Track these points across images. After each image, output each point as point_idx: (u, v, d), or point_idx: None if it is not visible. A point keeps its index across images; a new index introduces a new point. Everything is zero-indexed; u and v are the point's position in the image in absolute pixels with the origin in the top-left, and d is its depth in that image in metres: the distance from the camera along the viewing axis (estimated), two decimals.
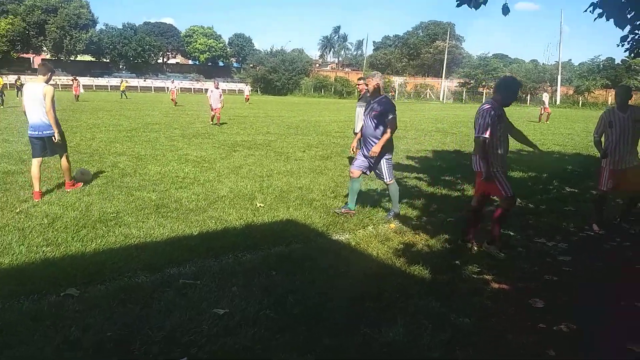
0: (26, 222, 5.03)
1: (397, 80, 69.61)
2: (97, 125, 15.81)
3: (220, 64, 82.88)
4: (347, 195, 6.11)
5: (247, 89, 41.30)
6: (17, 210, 5.42)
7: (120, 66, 71.67)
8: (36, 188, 6.04)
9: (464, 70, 65.09)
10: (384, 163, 5.75)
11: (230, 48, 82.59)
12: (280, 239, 4.83)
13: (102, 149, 10.35)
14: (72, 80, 32.42)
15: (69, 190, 6.45)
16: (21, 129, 13.48)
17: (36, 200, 5.91)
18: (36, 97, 6.03)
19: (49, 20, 61.66)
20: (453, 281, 3.97)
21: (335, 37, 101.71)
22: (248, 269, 4.00)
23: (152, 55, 74.09)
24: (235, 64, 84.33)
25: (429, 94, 66.08)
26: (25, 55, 68.12)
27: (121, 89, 39.54)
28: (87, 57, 71.82)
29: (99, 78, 63.83)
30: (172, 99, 29.88)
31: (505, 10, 5.29)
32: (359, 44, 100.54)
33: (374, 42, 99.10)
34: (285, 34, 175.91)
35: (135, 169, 8.19)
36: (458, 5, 5.49)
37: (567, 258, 4.60)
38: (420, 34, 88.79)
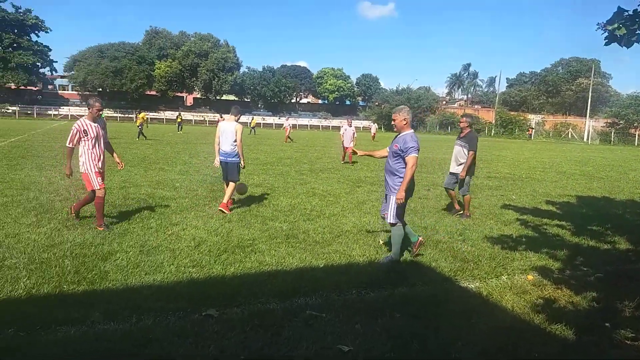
0: (176, 243, 5.66)
1: (534, 119, 65.04)
2: (256, 159, 17.35)
3: (347, 102, 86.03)
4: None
5: (374, 127, 41.70)
6: (169, 233, 6.14)
7: (259, 105, 78.49)
8: (225, 200, 7.58)
9: (612, 110, 58.39)
10: (392, 200, 5.14)
11: (358, 87, 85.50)
12: (404, 280, 4.73)
13: (242, 180, 11.29)
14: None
15: (221, 209, 7.43)
16: (174, 160, 15.42)
17: (225, 211, 7.36)
18: (229, 132, 7.57)
19: (201, 63, 70.42)
20: (601, 345, 3.48)
21: (464, 75, 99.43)
22: (371, 307, 3.97)
23: (287, 95, 79.93)
24: (361, 103, 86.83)
25: (571, 134, 60.31)
26: (179, 94, 78.50)
27: (251, 125, 41.58)
28: (231, 97, 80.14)
29: (240, 116, 70.68)
30: (286, 136, 29.48)
31: None
32: (491, 81, 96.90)
33: (507, 78, 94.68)
34: (413, 73, 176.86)
35: (269, 200, 8.79)
36: (607, 44, 5.03)
37: None
38: (560, 70, 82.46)
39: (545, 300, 4.35)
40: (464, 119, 8.12)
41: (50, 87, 79.87)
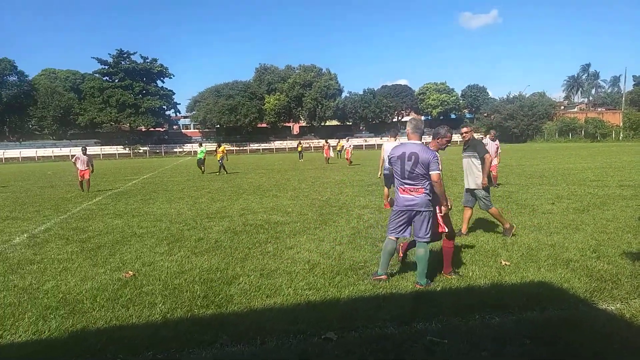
0: (292, 266, 5.86)
1: None
2: (344, 181, 17.66)
3: (452, 116, 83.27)
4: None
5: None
6: (285, 257, 6.39)
7: (361, 127, 79.44)
8: (386, 201, 9.90)
9: None
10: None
11: (463, 100, 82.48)
12: (533, 303, 4.34)
13: (349, 203, 11.45)
14: (324, 143, 34.05)
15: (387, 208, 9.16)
16: (285, 186, 16.14)
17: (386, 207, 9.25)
18: (389, 151, 8.35)
19: (305, 93, 73.69)
20: None
21: (583, 76, 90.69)
22: (498, 333, 3.70)
23: (388, 115, 79.87)
24: (468, 115, 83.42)
25: None
26: (286, 124, 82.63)
27: (298, 149, 40.02)
28: (334, 122, 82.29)
29: (341, 140, 72.18)
30: (347, 158, 28.70)
31: None
32: (615, 80, 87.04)
33: (633, 76, 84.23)
34: (524, 79, 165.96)
35: (377, 221, 8.74)
36: None
37: None
38: None
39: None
40: (466, 128, 7.46)
41: (175, 127, 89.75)
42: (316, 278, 5.32)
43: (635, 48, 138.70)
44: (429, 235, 5.07)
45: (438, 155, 5.05)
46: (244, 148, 73.47)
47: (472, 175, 7.31)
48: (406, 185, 5.05)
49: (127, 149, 70.79)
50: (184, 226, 8.98)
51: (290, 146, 70.48)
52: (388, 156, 5.53)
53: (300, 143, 39.56)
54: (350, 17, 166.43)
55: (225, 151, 23.63)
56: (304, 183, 17.25)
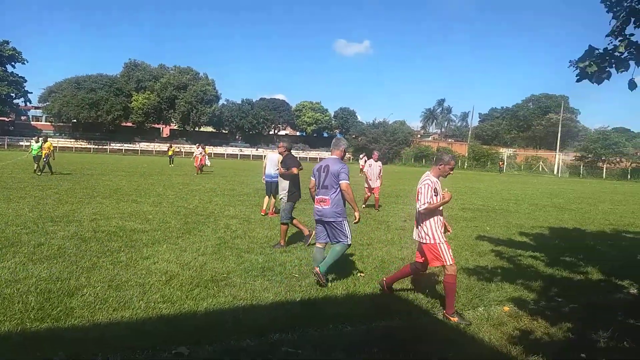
0: (147, 278, 5.46)
1: (505, 152, 66.95)
2: (214, 189, 17.18)
3: (325, 134, 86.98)
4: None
5: (361, 161, 38.60)
6: (140, 267, 5.94)
7: (237, 137, 78.52)
8: (263, 206, 11.03)
9: (581, 144, 60.80)
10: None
11: (335, 120, 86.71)
12: (383, 313, 4.66)
13: (217, 212, 11.14)
14: (201, 148, 28.42)
15: (271, 215, 10.59)
16: (148, 191, 15.13)
17: (262, 213, 10.59)
18: (274, 161, 10.53)
19: (179, 95, 70.36)
20: None
21: (438, 109, 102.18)
22: (350, 343, 3.88)
23: (265, 127, 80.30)
24: (338, 135, 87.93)
25: (542, 167, 62.19)
26: (156, 126, 77.88)
27: (169, 153, 35.45)
28: (209, 128, 80.00)
29: (217, 147, 70.51)
30: (195, 166, 26.38)
31: (632, 85, 4.94)
32: (464, 116, 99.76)
33: (479, 114, 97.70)
34: (388, 107, 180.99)
35: (245, 232, 8.64)
36: (578, 80, 5.25)
37: None
38: (531, 106, 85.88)
39: (521, 331, 4.33)
40: (282, 144, 8.09)
41: (23, 118, 78.45)
42: (172, 290, 5.03)
43: (481, 89, 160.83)
44: (345, 239, 5.60)
45: (348, 167, 5.71)
46: (104, 147, 67.01)
47: (281, 186, 8.20)
48: (318, 197, 5.66)
49: None
50: (22, 229, 7.85)
51: (159, 149, 66.35)
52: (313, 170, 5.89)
53: (171, 146, 36.95)
54: (231, 25, 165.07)
55: (52, 148, 21.01)
56: (170, 189, 16.37)
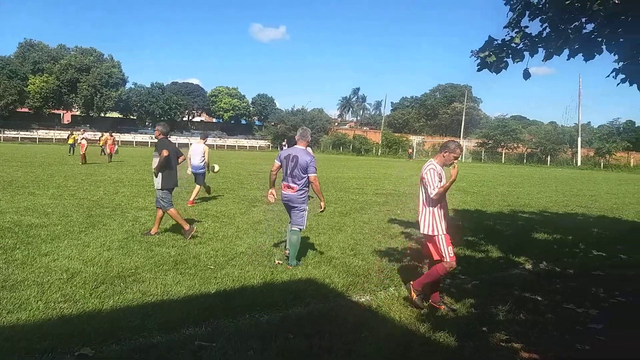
0: (45, 276, 5.02)
1: (415, 139, 70.54)
2: (121, 179, 16.16)
3: (243, 122, 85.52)
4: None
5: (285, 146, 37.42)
6: (38, 265, 5.44)
7: (147, 123, 74.43)
8: (191, 198, 10.87)
9: (482, 131, 65.79)
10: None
11: (253, 107, 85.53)
12: (299, 299, 4.71)
13: (124, 204, 10.50)
14: (109, 136, 27.37)
15: (190, 205, 10.54)
16: (47, 183, 13.87)
17: (189, 205, 10.53)
18: (199, 151, 10.93)
19: (81, 78, 65.07)
20: (480, 349, 3.77)
21: (354, 98, 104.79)
22: (265, 331, 3.86)
23: (179, 113, 76.95)
24: (257, 122, 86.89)
25: None
26: (56, 111, 71.48)
27: (69, 141, 32.45)
28: (116, 114, 74.99)
29: (125, 134, 66.26)
30: (82, 154, 23.23)
31: (526, 75, 5.38)
32: (378, 104, 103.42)
33: (391, 102, 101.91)
34: (306, 94, 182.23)
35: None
36: (479, 70, 5.59)
37: (599, 326, 4.34)
38: (438, 95, 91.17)
39: (429, 309, 4.61)
40: (158, 128, 7.52)
41: None
42: (75, 288, 4.67)
43: (393, 79, 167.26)
44: (302, 224, 5.99)
45: (315, 159, 6.02)
46: None
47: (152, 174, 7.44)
48: (285, 183, 5.94)
49: None
50: None
51: (59, 137, 60.80)
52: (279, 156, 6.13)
53: (71, 134, 33.65)
54: (139, 3, 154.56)
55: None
56: (71, 180, 15.12)
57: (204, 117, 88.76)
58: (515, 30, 5.40)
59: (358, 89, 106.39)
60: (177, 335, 3.70)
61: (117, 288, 4.75)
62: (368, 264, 6.23)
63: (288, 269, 5.73)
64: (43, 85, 63.21)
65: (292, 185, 5.86)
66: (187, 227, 7.21)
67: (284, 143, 37.25)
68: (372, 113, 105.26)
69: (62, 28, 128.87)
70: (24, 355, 3.26)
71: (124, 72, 70.70)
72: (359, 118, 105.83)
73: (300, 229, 6.01)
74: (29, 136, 62.13)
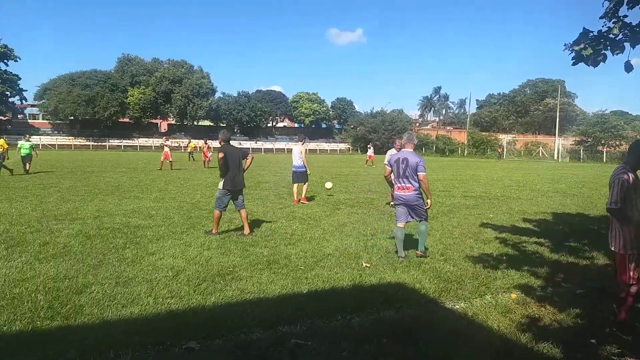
0: (153, 273, 5.47)
1: (505, 138, 66.92)
2: (216, 183, 17.09)
3: (323, 125, 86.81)
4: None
5: (371, 150, 35.58)
6: (146, 263, 5.94)
7: (235, 130, 78.31)
8: (295, 197, 12.07)
9: (579, 128, 60.75)
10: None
11: (333, 111, 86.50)
12: (390, 303, 4.67)
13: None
14: (204, 143, 29.26)
15: (304, 202, 12.01)
16: (149, 187, 15.11)
17: (295, 203, 11.79)
18: (297, 152, 11.96)
19: (175, 89, 70.00)
20: None
21: (435, 97, 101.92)
22: (358, 333, 3.88)
23: (263, 119, 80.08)
24: (336, 126, 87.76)
25: (542, 152, 62.13)
26: (153, 121, 77.64)
27: (188, 150, 36.06)
28: (207, 122, 79.77)
29: (216, 141, 70.28)
30: (161, 162, 24.66)
31: (628, 67, 4.91)
32: (461, 103, 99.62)
33: (477, 100, 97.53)
34: (385, 96, 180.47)
35: (250, 225, 8.62)
36: (574, 64, 5.20)
37: None
38: (528, 91, 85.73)
39: (530, 318, 4.34)
40: (219, 135, 8.05)
41: (20, 116, 78.07)
42: (180, 285, 5.03)
43: (478, 76, 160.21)
44: (426, 215, 6.56)
45: (424, 159, 6.50)
46: (103, 144, 66.89)
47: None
48: (400, 185, 6.41)
49: None
50: (27, 228, 7.85)
51: (157, 145, 66.04)
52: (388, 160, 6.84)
53: (190, 142, 35.55)
54: (224, 18, 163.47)
55: (5, 146, 19.34)
56: (171, 184, 16.35)
57: (286, 123, 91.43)
58: (613, 20, 4.97)
59: (439, 87, 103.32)
60: (274, 333, 3.85)
61: (218, 285, 5.05)
62: (460, 269, 6.01)
63: (376, 273, 5.71)
64: (141, 97, 68.92)
65: (407, 185, 6.35)
66: (214, 230, 7.76)
67: (369, 146, 37.39)
68: (456, 112, 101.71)
69: (155, 43, 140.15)
70: (138, 348, 3.55)
71: (212, 83, 75.04)
72: (441, 117, 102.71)
73: (425, 219, 6.56)
74: (131, 144, 68.28)
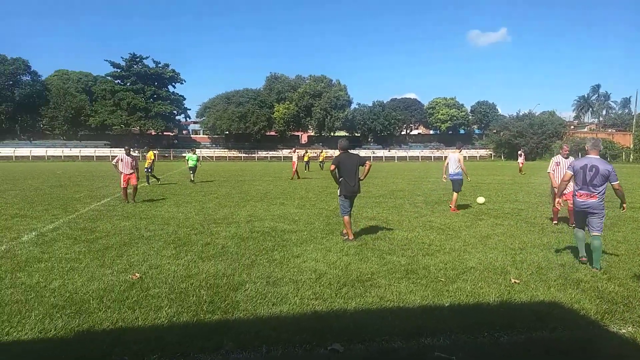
0: (298, 275, 5.82)
1: None
2: None
3: (462, 131, 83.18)
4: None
5: (522, 157, 33.71)
6: (292, 265, 6.36)
7: (369, 139, 79.50)
8: (452, 205, 11.94)
9: None
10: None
11: (473, 115, 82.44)
12: (543, 323, 4.28)
13: (355, 213, 11.37)
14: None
15: (452, 211, 11.69)
16: (292, 194, 16.12)
17: (452, 211, 11.70)
18: (454, 159, 11.84)
19: (315, 103, 73.92)
20: None
21: (594, 97, 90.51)
22: (507, 352, 3.65)
23: (397, 127, 79.93)
24: (476, 131, 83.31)
25: None
26: (295, 133, 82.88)
27: (320, 159, 38.91)
28: (343, 133, 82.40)
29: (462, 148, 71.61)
30: (294, 171, 24.88)
31: None
32: (625, 102, 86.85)
33: None
34: (533, 97, 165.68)
35: (384, 233, 8.69)
36: None
37: None
38: None
39: None
40: (340, 143, 8.22)
41: (184, 132, 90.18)
42: (323, 288, 5.28)
43: None
44: (601, 228, 6.37)
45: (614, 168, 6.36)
46: (252, 155, 73.91)
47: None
48: (582, 192, 6.36)
49: (137, 152, 71.18)
50: (191, 230, 8.99)
51: (299, 155, 70.36)
52: (571, 166, 6.69)
53: (306, 152, 38.39)
54: (360, 30, 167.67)
55: (153, 157, 20.54)
56: (311, 192, 17.24)
57: (420, 130, 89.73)
58: None
59: (598, 85, 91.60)
60: (416, 344, 3.81)
61: (358, 291, 5.18)
62: (627, 290, 5.25)
63: (527, 290, 5.28)
64: (285, 112, 74.27)
65: (593, 192, 6.23)
66: (351, 237, 7.95)
67: (520, 152, 34.76)
68: (619, 112, 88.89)
69: (298, 60, 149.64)
70: (287, 345, 3.81)
71: (349, 94, 77.38)
72: (601, 119, 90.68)
73: (600, 233, 6.31)
74: (276, 155, 73.96)
